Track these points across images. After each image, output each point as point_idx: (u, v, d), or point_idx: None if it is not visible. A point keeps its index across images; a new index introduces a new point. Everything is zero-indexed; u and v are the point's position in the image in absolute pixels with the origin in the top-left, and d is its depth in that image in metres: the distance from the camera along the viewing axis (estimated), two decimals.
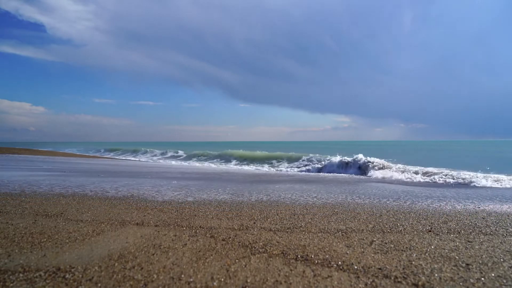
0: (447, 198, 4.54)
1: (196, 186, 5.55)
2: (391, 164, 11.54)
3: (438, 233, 2.63)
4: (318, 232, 2.60)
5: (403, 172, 9.91)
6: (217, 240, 2.34)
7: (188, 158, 24.43)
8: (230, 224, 2.83)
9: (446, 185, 7.01)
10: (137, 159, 23.49)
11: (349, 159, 13.34)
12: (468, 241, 2.41)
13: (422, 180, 8.07)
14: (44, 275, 1.67)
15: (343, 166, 13.32)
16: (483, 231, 2.71)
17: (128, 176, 7.13)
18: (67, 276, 1.66)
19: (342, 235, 2.53)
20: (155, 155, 27.69)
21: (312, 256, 2.02)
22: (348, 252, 2.11)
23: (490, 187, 6.47)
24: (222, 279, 1.65)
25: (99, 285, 1.57)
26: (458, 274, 1.77)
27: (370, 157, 12.69)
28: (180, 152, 27.32)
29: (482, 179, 7.25)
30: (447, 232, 2.65)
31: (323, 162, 14.59)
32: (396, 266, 1.87)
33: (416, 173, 9.39)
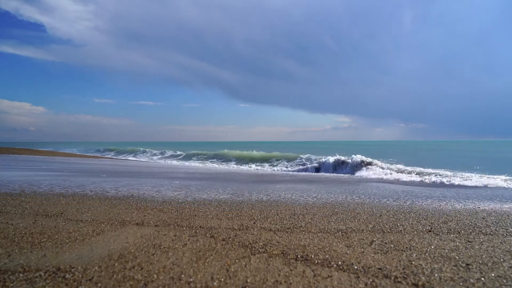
0: (447, 198, 4.55)
1: (196, 186, 5.55)
2: (381, 164, 11.75)
3: (438, 233, 2.63)
4: (318, 232, 2.60)
5: (396, 171, 10.16)
6: (217, 240, 2.34)
7: (185, 158, 24.49)
8: (230, 224, 2.83)
9: (445, 185, 7.02)
10: (134, 159, 23.50)
11: (343, 158, 13.49)
12: (468, 241, 2.41)
13: (416, 180, 8.20)
14: (44, 275, 1.67)
15: (338, 166, 13.43)
16: (483, 231, 2.71)
17: (128, 176, 7.13)
18: (67, 276, 1.66)
19: (342, 235, 2.53)
20: (154, 155, 27.72)
21: (312, 256, 2.02)
22: (348, 252, 2.11)
23: (490, 187, 6.48)
24: (222, 279, 1.65)
25: (99, 285, 1.57)
26: (458, 274, 1.77)
27: (367, 157, 12.84)
28: (178, 152, 27.40)
29: (457, 178, 7.84)
30: (447, 232, 2.65)
31: (316, 162, 14.73)
32: (396, 266, 1.87)
33: (410, 172, 9.68)
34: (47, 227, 2.61)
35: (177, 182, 6.14)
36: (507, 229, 2.80)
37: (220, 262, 1.89)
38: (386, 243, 2.32)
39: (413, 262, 1.93)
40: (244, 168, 15.46)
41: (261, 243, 2.27)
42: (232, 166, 16.83)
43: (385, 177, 9.28)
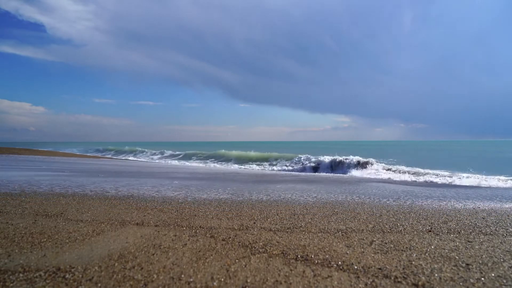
0: (447, 198, 4.55)
1: (196, 186, 5.55)
2: (377, 164, 11.96)
3: (438, 233, 2.63)
4: (318, 232, 2.60)
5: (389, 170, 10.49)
6: (217, 240, 2.34)
7: (183, 158, 24.57)
8: (230, 224, 2.83)
9: (445, 185, 7.03)
10: (133, 159, 23.51)
11: (340, 158, 13.67)
12: (468, 241, 2.41)
13: (408, 180, 8.36)
14: (44, 275, 1.67)
15: (335, 166, 13.57)
16: (483, 231, 2.71)
17: (128, 176, 7.13)
18: (67, 276, 1.66)
19: (342, 235, 2.53)
20: (153, 155, 27.77)
21: (312, 256, 2.02)
22: (348, 252, 2.11)
23: (490, 187, 6.48)
24: (222, 279, 1.65)
25: (99, 285, 1.57)
26: (458, 274, 1.77)
27: (362, 157, 13.05)
28: (176, 152, 27.49)
29: (445, 178, 8.21)
30: (447, 232, 2.66)
31: (313, 162, 14.85)
32: (396, 266, 1.87)
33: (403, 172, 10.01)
34: (47, 227, 2.61)
35: (176, 182, 6.13)
36: (507, 229, 2.80)
37: (220, 262, 1.89)
38: (386, 243, 2.32)
39: (413, 262, 1.93)
40: (243, 168, 15.49)
41: (261, 243, 2.27)
42: (232, 166, 16.88)
43: (378, 177, 9.45)
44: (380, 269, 1.82)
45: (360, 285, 1.61)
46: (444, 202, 4.18)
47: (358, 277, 1.71)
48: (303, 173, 11.36)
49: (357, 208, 3.66)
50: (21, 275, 1.67)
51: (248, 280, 1.65)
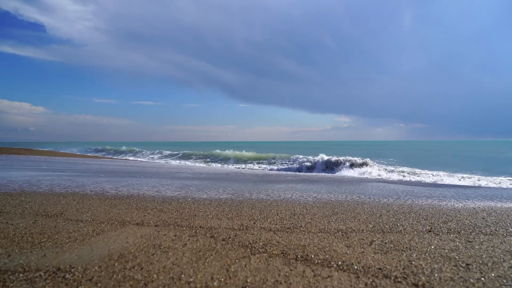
0: (447, 198, 4.55)
1: (196, 186, 5.55)
2: (371, 164, 12.21)
3: (438, 233, 2.63)
4: (318, 232, 2.60)
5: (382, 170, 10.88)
6: (217, 240, 2.34)
7: (180, 158, 24.66)
8: (230, 224, 2.83)
9: (444, 185, 7.03)
10: (133, 159, 23.53)
11: (334, 158, 13.86)
12: (468, 241, 2.41)
13: (395, 179, 8.55)
14: (44, 275, 1.67)
15: (330, 166, 13.72)
16: (483, 231, 2.71)
17: (128, 176, 7.13)
18: (67, 276, 1.66)
19: (342, 235, 2.53)
20: (148, 155, 27.87)
21: (312, 256, 2.02)
22: (348, 252, 2.11)
23: (489, 187, 6.48)
24: (222, 279, 1.65)
25: (99, 285, 1.57)
26: (458, 274, 1.77)
27: (357, 157, 13.26)
28: (173, 152, 27.60)
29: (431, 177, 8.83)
30: (447, 232, 2.66)
31: (308, 161, 15.01)
32: (396, 266, 1.87)
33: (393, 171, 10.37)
34: (47, 227, 2.61)
35: (176, 182, 6.14)
36: (507, 229, 2.81)
37: (220, 262, 1.89)
38: (386, 243, 2.32)
39: (413, 262, 1.93)
40: (240, 168, 15.52)
41: (261, 243, 2.27)
42: (229, 166, 16.95)
43: (375, 177, 9.58)
44: (380, 269, 1.82)
45: (360, 285, 1.61)
46: (444, 202, 4.18)
47: (358, 277, 1.71)
48: (302, 173, 11.38)
49: (357, 208, 3.66)
50: (21, 275, 1.67)
51: (248, 280, 1.65)
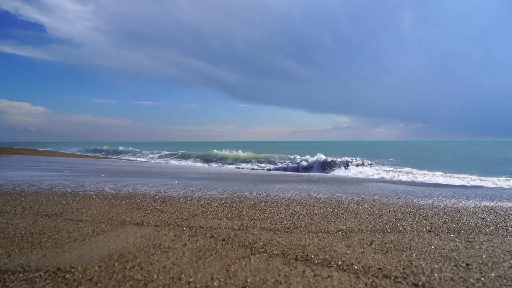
0: (447, 198, 4.55)
1: (196, 186, 5.55)
2: (367, 163, 12.34)
3: (438, 233, 2.63)
4: (318, 232, 2.60)
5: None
6: (217, 240, 2.34)
7: (177, 158, 24.76)
8: (230, 224, 2.83)
9: (444, 185, 7.03)
10: (132, 159, 23.54)
11: (330, 159, 14.02)
12: (468, 241, 2.41)
13: (383, 178, 8.60)
14: (44, 275, 1.67)
15: (327, 166, 13.83)
16: (483, 231, 2.71)
17: (128, 176, 7.13)
18: (67, 276, 1.66)
19: (342, 235, 2.53)
20: (146, 155, 27.93)
21: (312, 256, 2.02)
22: (348, 252, 2.11)
23: (489, 187, 6.49)
24: (222, 279, 1.65)
25: (99, 285, 1.57)
26: (458, 274, 1.77)
27: (354, 157, 13.39)
28: (169, 152, 27.70)
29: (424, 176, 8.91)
30: (447, 232, 2.66)
31: (305, 161, 15.12)
32: (396, 266, 1.87)
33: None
34: (47, 227, 2.61)
35: (176, 182, 6.14)
36: (507, 229, 2.81)
37: (220, 262, 1.89)
38: (386, 243, 2.32)
39: (413, 262, 1.93)
40: (240, 167, 15.55)
41: (261, 243, 2.27)
42: (228, 166, 16.99)
43: (375, 177, 9.64)
44: (380, 269, 1.82)
45: (360, 285, 1.61)
46: (444, 202, 4.18)
47: (358, 277, 1.71)
48: (302, 173, 11.39)
49: (357, 208, 3.66)
50: (21, 275, 1.67)
51: (248, 280, 1.65)
